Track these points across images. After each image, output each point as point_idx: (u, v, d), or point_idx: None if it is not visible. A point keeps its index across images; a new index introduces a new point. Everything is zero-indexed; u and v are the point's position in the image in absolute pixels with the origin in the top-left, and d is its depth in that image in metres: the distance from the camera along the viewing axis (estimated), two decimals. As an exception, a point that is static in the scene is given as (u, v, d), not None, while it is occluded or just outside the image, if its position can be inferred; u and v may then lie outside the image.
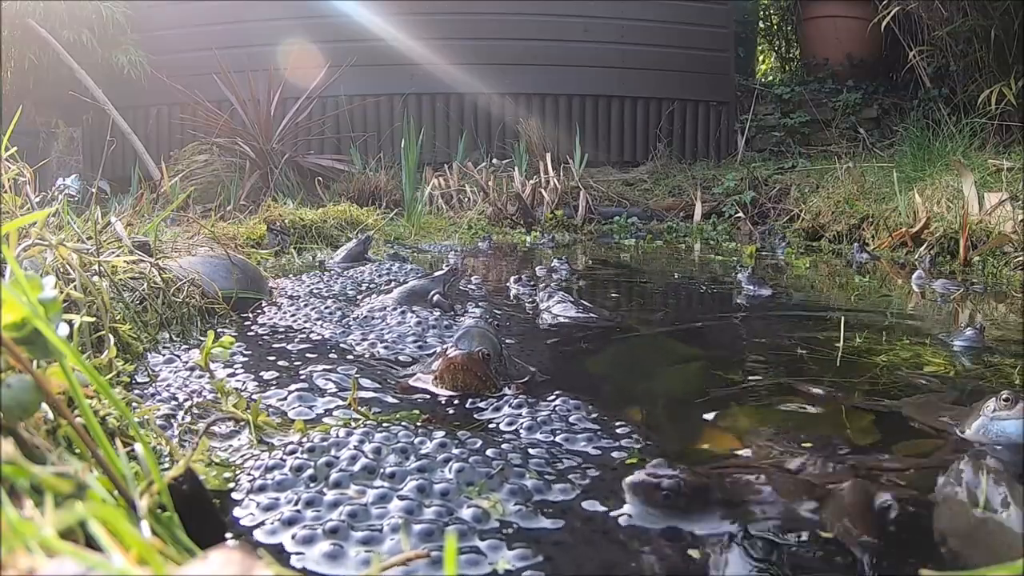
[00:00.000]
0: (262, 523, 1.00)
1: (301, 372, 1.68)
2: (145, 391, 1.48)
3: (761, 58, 10.56)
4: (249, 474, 1.13)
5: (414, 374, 1.73)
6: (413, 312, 2.29)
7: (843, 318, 2.27)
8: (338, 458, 1.14)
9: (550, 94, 8.18)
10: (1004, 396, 1.34)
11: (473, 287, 3.10)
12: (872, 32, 7.19)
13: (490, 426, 1.40)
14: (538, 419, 1.38)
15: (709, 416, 1.51)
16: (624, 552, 0.96)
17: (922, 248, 4.43)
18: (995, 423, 1.33)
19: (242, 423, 1.32)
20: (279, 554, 0.93)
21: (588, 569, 0.92)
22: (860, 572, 0.91)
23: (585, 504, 1.08)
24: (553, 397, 1.48)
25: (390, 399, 1.56)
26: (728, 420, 1.49)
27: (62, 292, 1.53)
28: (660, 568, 0.93)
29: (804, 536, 0.98)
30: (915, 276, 3.52)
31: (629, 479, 1.03)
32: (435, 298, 2.47)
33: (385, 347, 1.99)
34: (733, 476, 1.15)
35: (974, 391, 1.61)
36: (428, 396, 1.59)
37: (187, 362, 1.71)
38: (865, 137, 7.32)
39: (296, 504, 1.03)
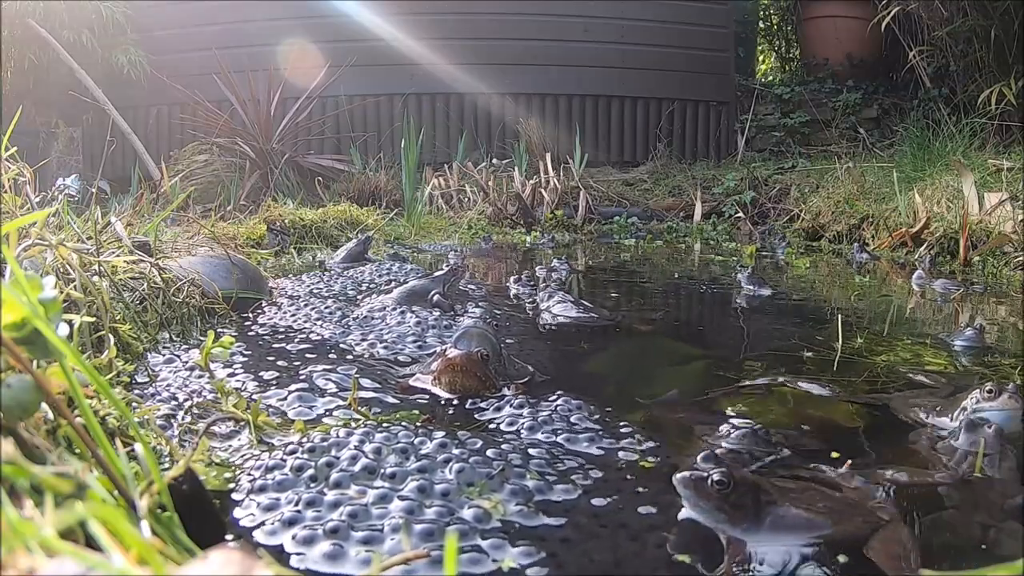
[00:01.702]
0: (262, 523, 1.00)
1: (301, 372, 1.68)
2: (145, 391, 1.48)
3: (761, 58, 10.56)
4: (249, 474, 1.12)
5: (414, 374, 1.72)
6: (413, 312, 2.29)
7: (842, 318, 2.27)
8: (338, 458, 1.14)
9: (550, 94, 8.18)
10: (988, 388, 1.39)
11: (473, 287, 3.10)
12: (872, 32, 7.19)
13: (490, 426, 1.40)
14: (539, 419, 1.38)
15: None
16: (629, 548, 0.96)
17: (922, 248, 4.42)
18: (978, 414, 1.37)
19: (242, 423, 1.32)
20: (279, 554, 0.93)
21: (594, 565, 0.92)
22: None
23: (588, 504, 1.08)
24: (554, 397, 1.48)
25: (390, 399, 1.56)
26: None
27: (62, 292, 1.53)
28: (663, 561, 0.93)
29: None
30: (915, 276, 3.52)
31: (679, 475, 1.04)
32: (435, 298, 2.47)
33: (385, 347, 1.98)
34: None
35: (967, 387, 1.62)
36: (428, 396, 1.59)
37: (187, 362, 1.71)
38: (865, 137, 7.32)
39: (297, 504, 1.03)
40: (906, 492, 1.15)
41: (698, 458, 1.09)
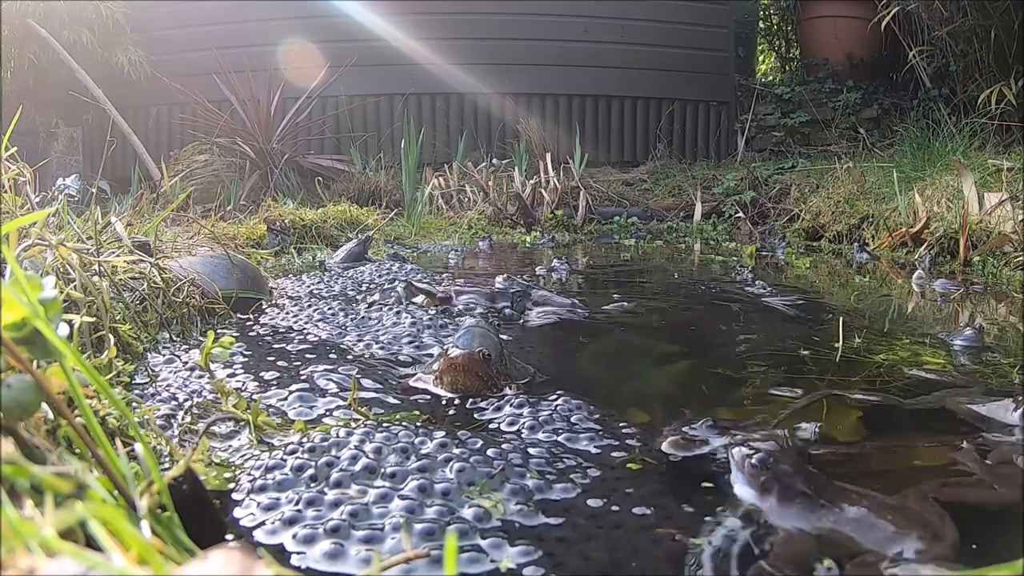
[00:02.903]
0: (263, 523, 1.00)
1: (301, 372, 1.68)
2: (145, 391, 1.48)
3: (761, 58, 10.56)
4: (249, 474, 1.12)
5: (415, 374, 1.72)
6: (408, 313, 2.29)
7: (842, 318, 2.27)
8: (339, 458, 1.14)
9: (550, 94, 8.18)
10: None
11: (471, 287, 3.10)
12: (872, 32, 7.19)
13: (491, 426, 1.40)
14: (539, 419, 1.38)
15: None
16: (629, 547, 0.96)
17: (922, 248, 4.42)
18: None
19: (242, 423, 1.32)
20: (279, 553, 0.93)
21: (592, 565, 0.92)
22: None
23: (587, 503, 1.08)
24: (554, 397, 1.48)
25: (391, 399, 1.56)
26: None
27: (62, 292, 1.53)
28: (662, 559, 0.93)
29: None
30: (915, 276, 3.51)
31: (735, 449, 1.15)
32: (506, 312, 2.51)
33: (381, 348, 1.99)
34: None
35: (995, 387, 1.62)
36: (429, 396, 1.59)
37: (187, 362, 1.71)
38: (865, 137, 7.32)
39: (297, 504, 1.03)
40: (968, 512, 1.07)
41: (758, 436, 1.18)
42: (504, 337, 2.02)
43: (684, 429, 1.34)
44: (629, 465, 1.22)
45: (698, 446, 1.28)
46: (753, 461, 1.09)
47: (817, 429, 1.41)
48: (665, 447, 1.28)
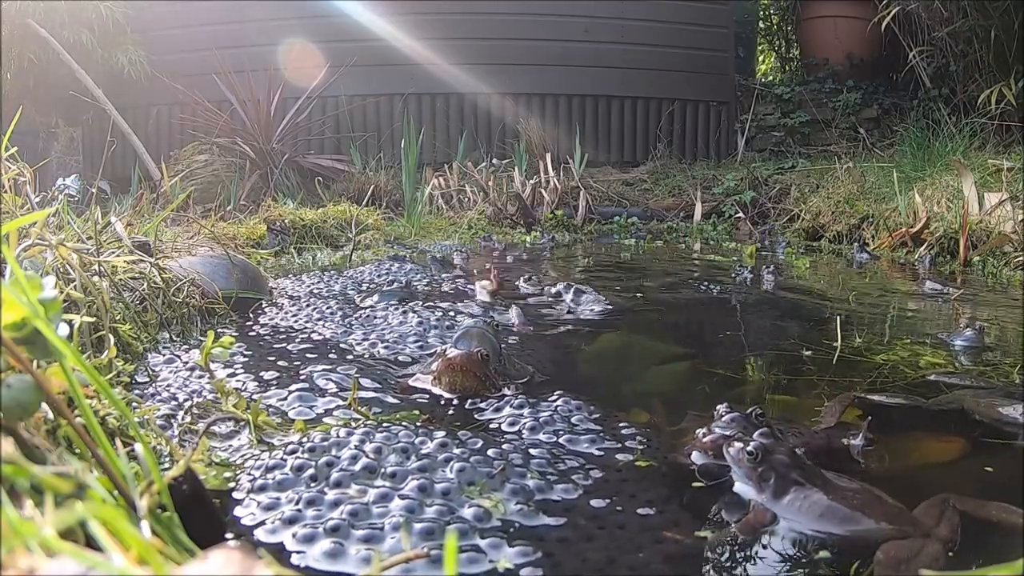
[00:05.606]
0: (263, 522, 1.00)
1: (301, 372, 1.68)
2: (145, 391, 1.48)
3: (761, 58, 10.55)
4: (249, 474, 1.12)
5: (414, 374, 1.72)
6: (415, 312, 2.29)
7: (842, 318, 2.27)
8: (339, 458, 1.14)
9: (550, 94, 8.17)
10: None
11: (473, 287, 3.10)
12: (872, 32, 7.19)
13: (491, 426, 1.40)
14: (540, 419, 1.38)
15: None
16: (627, 546, 0.96)
17: (922, 248, 4.42)
18: None
19: (242, 423, 1.32)
20: (280, 553, 0.93)
21: (590, 565, 0.92)
22: None
23: (589, 503, 1.08)
24: (554, 397, 1.48)
25: (390, 399, 1.56)
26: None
27: (62, 292, 1.53)
28: (661, 560, 0.93)
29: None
30: (926, 283, 3.40)
31: (728, 444, 1.17)
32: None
33: (386, 347, 1.98)
34: None
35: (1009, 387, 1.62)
36: (428, 396, 1.59)
37: (187, 362, 1.70)
38: (865, 137, 7.31)
39: (297, 503, 1.03)
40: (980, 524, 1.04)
41: (756, 433, 1.17)
42: (511, 340, 2.02)
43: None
44: (641, 464, 1.23)
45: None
46: (750, 449, 1.10)
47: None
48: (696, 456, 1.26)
